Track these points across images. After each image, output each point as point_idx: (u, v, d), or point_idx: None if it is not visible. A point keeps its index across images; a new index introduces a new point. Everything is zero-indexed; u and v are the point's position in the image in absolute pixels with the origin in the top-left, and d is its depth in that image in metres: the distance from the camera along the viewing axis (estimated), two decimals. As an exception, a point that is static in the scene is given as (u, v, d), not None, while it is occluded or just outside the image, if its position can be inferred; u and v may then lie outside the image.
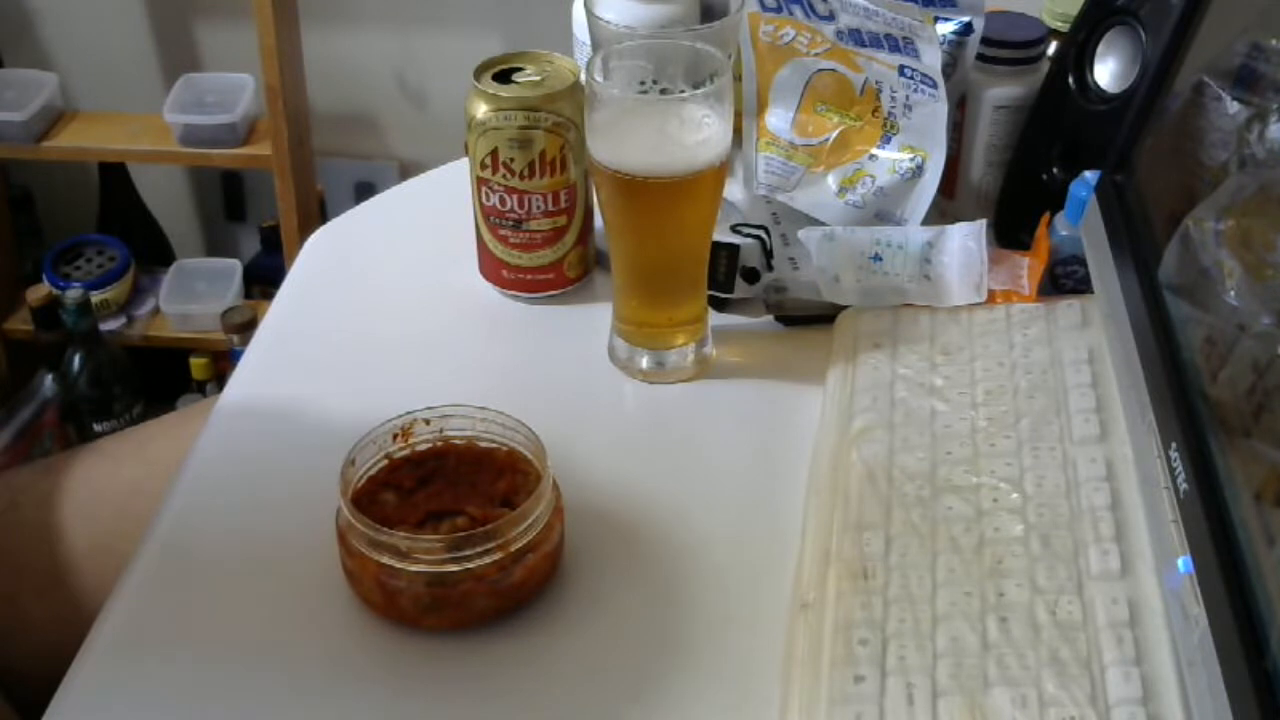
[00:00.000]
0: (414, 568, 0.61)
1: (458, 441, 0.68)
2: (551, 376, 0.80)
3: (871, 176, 0.85)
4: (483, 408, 0.67)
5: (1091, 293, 0.75)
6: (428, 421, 0.68)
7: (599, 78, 0.72)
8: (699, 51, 0.74)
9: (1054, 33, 0.90)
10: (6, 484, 0.85)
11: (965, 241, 0.81)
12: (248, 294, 2.01)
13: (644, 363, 0.79)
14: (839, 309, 0.81)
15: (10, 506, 0.83)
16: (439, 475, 0.67)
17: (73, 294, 1.84)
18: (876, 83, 0.85)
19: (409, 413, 0.67)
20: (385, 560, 0.61)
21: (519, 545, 0.62)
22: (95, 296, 1.91)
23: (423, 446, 0.68)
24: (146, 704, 0.61)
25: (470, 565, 0.61)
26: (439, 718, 0.60)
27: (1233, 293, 0.58)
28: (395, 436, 0.67)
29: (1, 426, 1.88)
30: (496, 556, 0.61)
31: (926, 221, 0.85)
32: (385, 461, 0.67)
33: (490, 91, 0.79)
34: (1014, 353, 0.75)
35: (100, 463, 0.87)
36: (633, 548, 0.68)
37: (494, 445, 0.68)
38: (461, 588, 0.61)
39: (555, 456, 0.69)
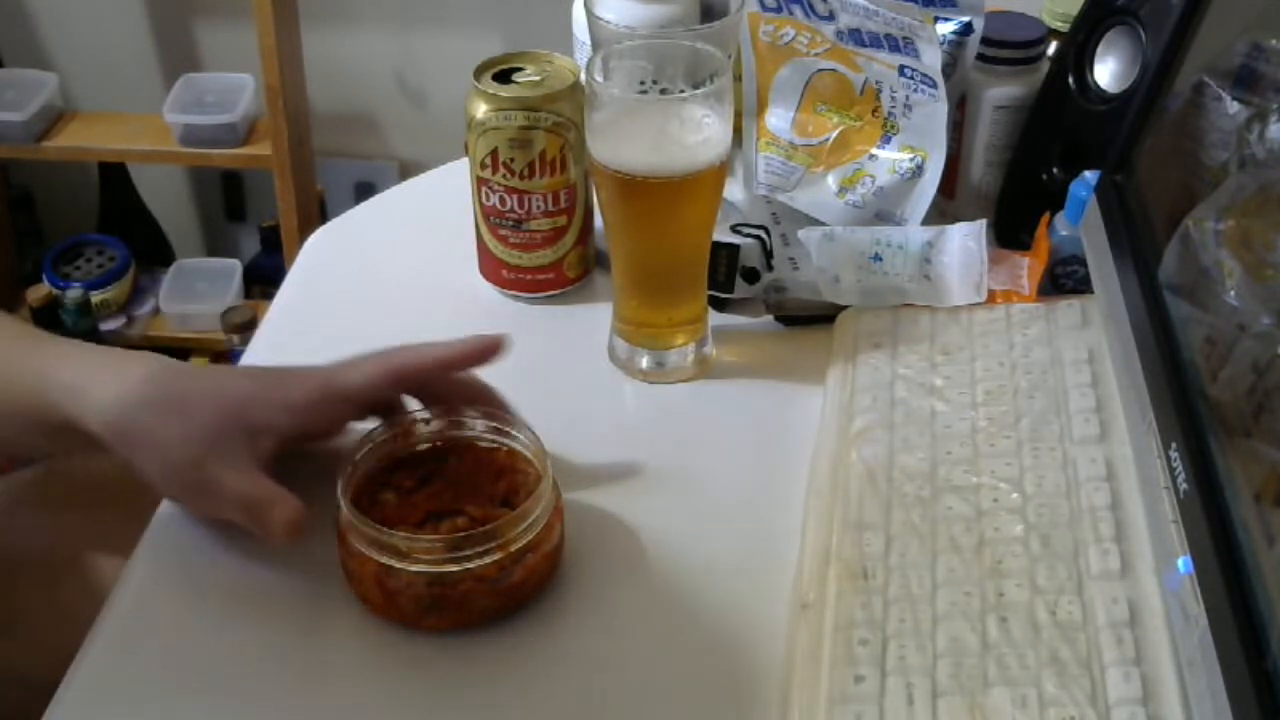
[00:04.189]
0: (414, 568, 0.61)
1: (458, 442, 0.68)
2: (551, 376, 0.80)
3: (871, 176, 0.85)
4: (475, 416, 0.68)
5: (1091, 293, 0.75)
6: (427, 421, 0.68)
7: (599, 78, 0.72)
8: (699, 51, 0.74)
9: (1054, 33, 0.90)
10: (7, 484, 0.85)
11: (965, 241, 0.81)
12: (248, 294, 2.01)
13: (644, 363, 0.79)
14: (839, 309, 0.81)
15: (11, 505, 0.83)
16: (439, 475, 0.67)
17: (73, 294, 1.84)
18: (876, 83, 0.85)
19: (409, 412, 0.67)
20: (385, 560, 0.61)
21: (519, 545, 0.62)
22: (95, 296, 1.92)
23: (423, 446, 0.68)
24: (146, 704, 0.60)
25: (470, 565, 0.61)
26: (439, 718, 0.60)
27: (1233, 293, 0.58)
28: (395, 436, 0.67)
29: (1, 426, 1.88)
30: (496, 556, 0.61)
31: (926, 221, 0.85)
32: (385, 461, 0.67)
33: (490, 91, 0.79)
34: (1014, 353, 0.75)
35: (102, 462, 0.87)
36: (633, 548, 0.68)
37: (494, 445, 0.67)
38: (461, 588, 0.61)
39: (555, 456, 0.69)
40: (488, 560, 0.61)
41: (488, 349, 0.67)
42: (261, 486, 0.62)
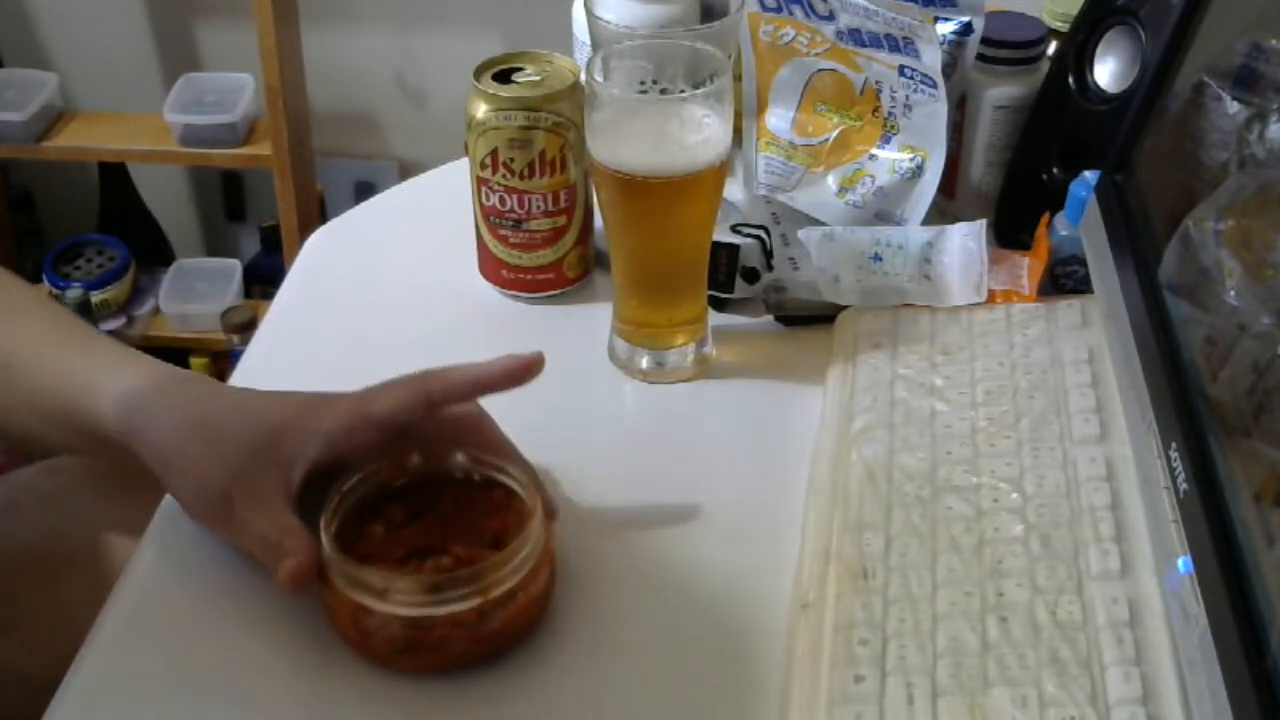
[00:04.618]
0: (388, 608, 0.58)
1: (456, 474, 0.65)
2: (551, 376, 0.79)
3: (871, 176, 0.85)
4: (471, 450, 0.65)
5: (1091, 293, 0.75)
6: (423, 452, 0.65)
7: (599, 78, 0.72)
8: (699, 51, 0.74)
9: (1054, 33, 0.90)
10: (7, 483, 0.85)
11: (965, 241, 0.81)
12: (248, 294, 2.01)
13: (644, 363, 0.79)
14: (839, 309, 0.81)
15: (10, 505, 0.83)
16: (432, 510, 0.64)
17: (73, 294, 1.85)
18: (876, 83, 0.85)
19: (406, 442, 0.65)
20: (361, 599, 0.58)
21: (500, 591, 0.58)
22: (95, 296, 1.92)
23: (420, 477, 0.65)
24: (146, 704, 0.60)
25: (447, 609, 0.58)
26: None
27: (1233, 293, 0.58)
28: (390, 467, 0.64)
29: (1, 426, 1.88)
30: (475, 602, 0.58)
31: (926, 221, 0.85)
32: (379, 491, 0.64)
33: (490, 91, 0.79)
34: (1014, 353, 0.75)
35: (104, 463, 0.87)
36: (632, 547, 0.68)
37: (490, 482, 0.65)
38: (437, 632, 0.58)
39: (554, 457, 0.69)
40: (466, 605, 0.58)
41: (523, 370, 0.65)
42: (281, 531, 0.61)
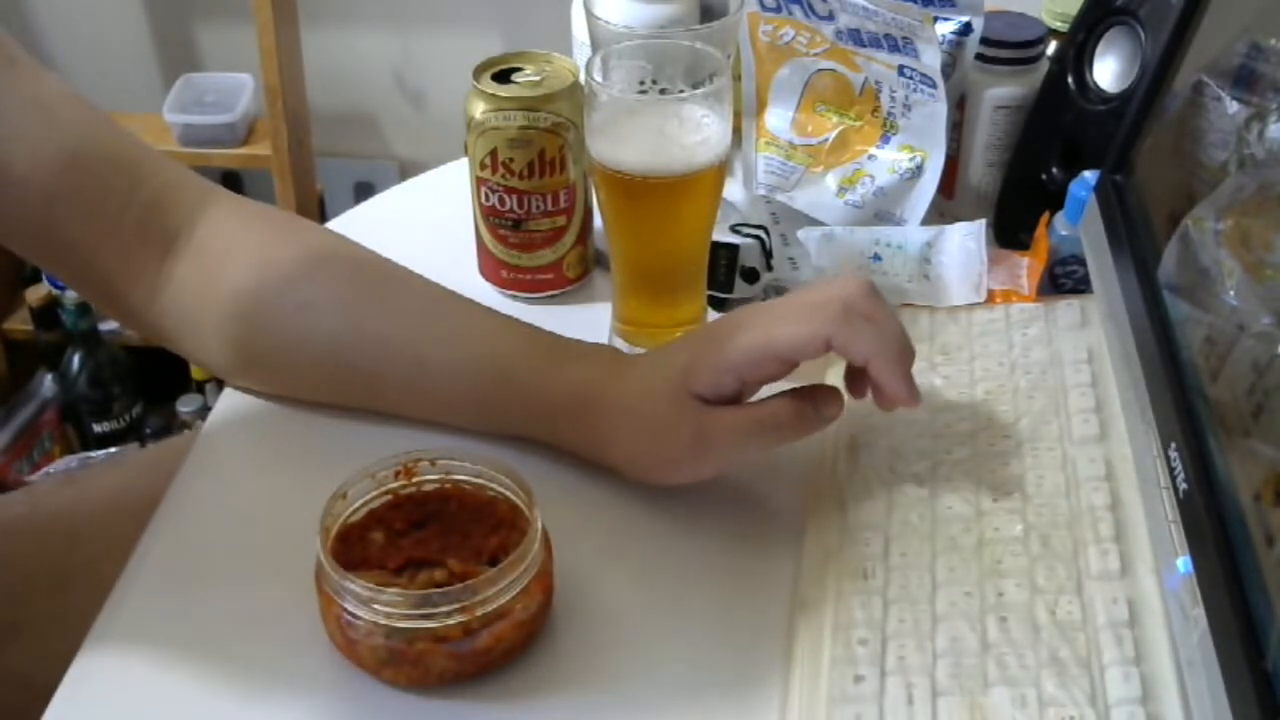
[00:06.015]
0: (371, 618, 0.57)
1: (466, 486, 0.64)
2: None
3: (871, 176, 0.85)
4: (480, 464, 0.64)
5: (1091, 292, 0.75)
6: (433, 462, 0.64)
7: (598, 78, 0.72)
8: (698, 51, 0.74)
9: (1053, 32, 0.90)
10: (27, 492, 0.87)
11: (965, 241, 0.81)
12: (247, 294, 2.00)
13: (644, 363, 0.79)
14: (839, 309, 0.81)
15: (29, 511, 0.84)
16: (436, 520, 0.63)
17: (72, 294, 1.84)
18: (876, 82, 0.85)
19: (411, 452, 0.64)
20: (347, 606, 0.58)
21: (487, 610, 0.57)
22: (95, 296, 1.91)
23: (430, 487, 0.64)
24: (145, 705, 0.61)
25: (431, 624, 0.57)
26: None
27: (1232, 292, 0.58)
28: (398, 473, 0.63)
29: (1, 426, 1.88)
30: (460, 619, 0.57)
31: (926, 221, 0.85)
32: (389, 498, 0.63)
33: (489, 91, 0.79)
34: (1013, 352, 0.75)
35: (121, 474, 0.88)
36: (630, 546, 0.67)
37: (497, 496, 0.63)
38: (418, 646, 0.57)
39: (553, 457, 0.69)
40: (451, 621, 0.57)
41: (904, 398, 0.65)
42: (754, 422, 0.65)
